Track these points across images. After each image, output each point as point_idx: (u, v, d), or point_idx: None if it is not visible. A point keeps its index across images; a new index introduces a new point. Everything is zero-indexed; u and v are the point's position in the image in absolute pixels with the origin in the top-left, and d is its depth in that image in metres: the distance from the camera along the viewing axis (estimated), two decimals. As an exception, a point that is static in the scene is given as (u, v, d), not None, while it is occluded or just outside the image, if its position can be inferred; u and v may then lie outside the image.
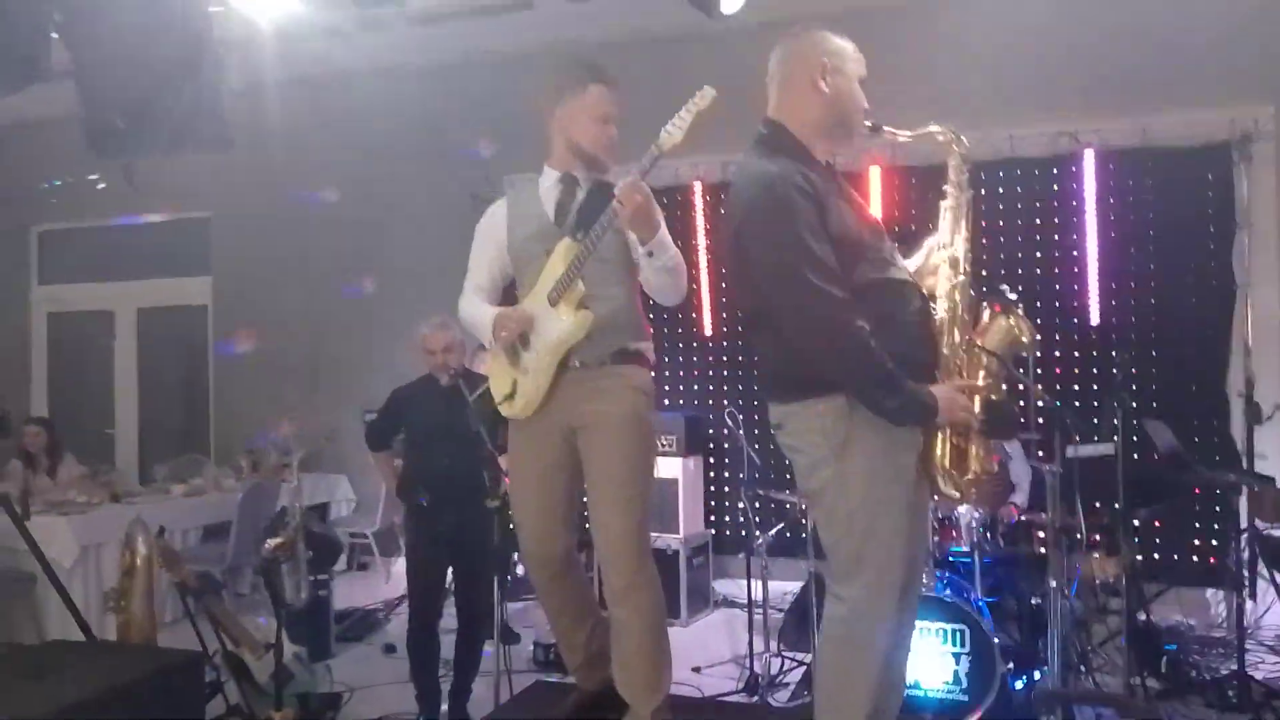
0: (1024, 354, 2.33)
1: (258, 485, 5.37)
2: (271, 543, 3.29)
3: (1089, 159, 5.25)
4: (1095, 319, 5.28)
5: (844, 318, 1.93)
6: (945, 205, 2.19)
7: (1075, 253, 5.34)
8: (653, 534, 4.96)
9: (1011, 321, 2.19)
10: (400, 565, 6.36)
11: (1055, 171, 5.36)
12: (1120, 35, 5.29)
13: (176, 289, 7.72)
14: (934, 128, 2.19)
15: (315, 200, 6.64)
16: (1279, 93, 5.14)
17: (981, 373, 2.11)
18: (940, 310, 2.12)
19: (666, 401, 5.96)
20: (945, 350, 2.10)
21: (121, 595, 3.84)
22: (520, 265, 2.60)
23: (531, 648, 4.48)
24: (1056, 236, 5.39)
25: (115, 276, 7.89)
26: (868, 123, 2.19)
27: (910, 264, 2.25)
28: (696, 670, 4.27)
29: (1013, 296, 2.25)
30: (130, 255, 7.80)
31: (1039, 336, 5.27)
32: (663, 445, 5.20)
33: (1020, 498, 4.58)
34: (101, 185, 6.44)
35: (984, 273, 5.48)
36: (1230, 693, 3.69)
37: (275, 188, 6.92)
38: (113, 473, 6.11)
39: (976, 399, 2.08)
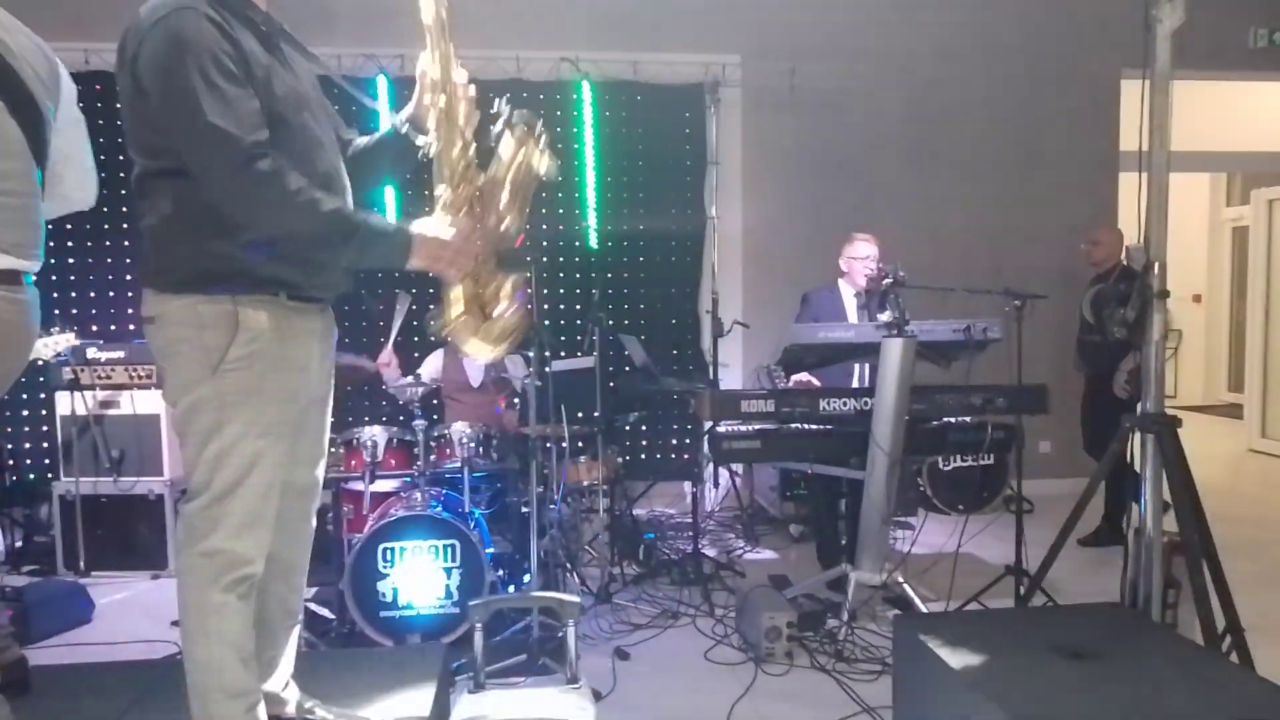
0: (545, 178, 2.03)
1: None
2: None
3: (587, 88, 5.51)
4: (594, 243, 5.65)
5: (251, 154, 1.66)
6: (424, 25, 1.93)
7: (576, 178, 5.63)
8: (131, 479, 4.48)
9: (522, 143, 1.98)
10: None
11: (559, 97, 5.57)
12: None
13: None
14: None
15: None
16: (744, 43, 5.85)
17: (457, 206, 1.91)
18: (432, 143, 1.91)
19: (132, 327, 5.27)
20: (445, 187, 1.90)
21: None
22: None
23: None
24: (559, 161, 5.61)
25: None
26: None
27: (403, 113, 2.03)
28: (175, 624, 3.84)
29: (525, 113, 2.01)
30: None
31: (545, 258, 5.51)
32: (139, 377, 4.58)
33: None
34: None
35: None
36: (689, 569, 4.23)
37: None
38: None
39: (478, 236, 1.89)
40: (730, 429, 3.80)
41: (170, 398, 1.81)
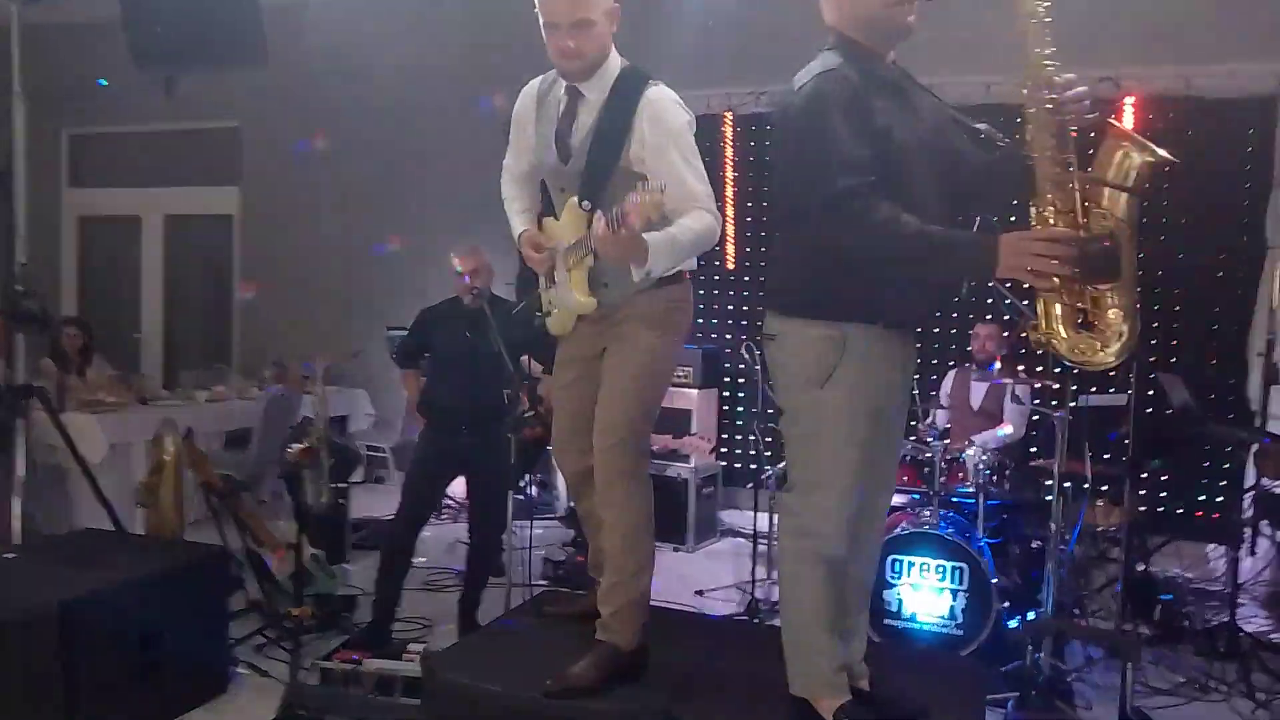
0: (1159, 168, 1.94)
1: (282, 394, 5.48)
2: (295, 448, 3.38)
3: (1129, 106, 5.15)
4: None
5: (846, 193, 1.87)
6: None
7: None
8: (665, 463, 5.18)
9: (1122, 145, 1.92)
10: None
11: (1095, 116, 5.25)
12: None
13: (204, 197, 7.79)
14: None
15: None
16: (1326, 47, 5.03)
17: (1059, 216, 1.88)
18: (1032, 148, 1.94)
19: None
20: (1044, 193, 1.91)
21: (150, 492, 3.98)
22: (544, 182, 2.58)
23: (542, 563, 4.62)
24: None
25: (144, 182, 7.97)
26: None
27: None
28: (700, 594, 4.40)
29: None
30: (159, 161, 7.87)
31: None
32: (680, 377, 5.27)
33: (1009, 430, 4.58)
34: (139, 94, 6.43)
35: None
36: (1219, 643, 3.78)
37: (309, 105, 6.93)
38: (140, 376, 6.25)
39: (1070, 242, 1.83)
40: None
41: (781, 403, 2.14)
